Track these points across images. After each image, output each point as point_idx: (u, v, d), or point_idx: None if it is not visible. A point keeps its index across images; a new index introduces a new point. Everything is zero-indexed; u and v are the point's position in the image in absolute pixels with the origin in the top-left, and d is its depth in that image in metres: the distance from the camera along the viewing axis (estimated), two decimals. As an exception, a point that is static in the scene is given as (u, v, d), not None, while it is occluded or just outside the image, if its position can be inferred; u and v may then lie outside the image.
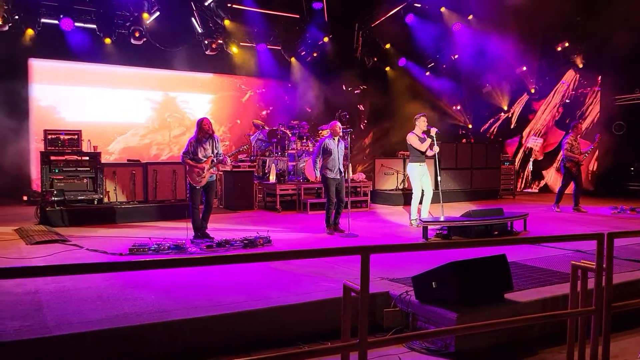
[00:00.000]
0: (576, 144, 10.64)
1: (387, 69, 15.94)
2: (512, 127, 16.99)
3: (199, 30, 13.42)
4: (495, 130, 17.04)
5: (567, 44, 15.17)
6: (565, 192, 11.00)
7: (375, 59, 15.54)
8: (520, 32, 14.13)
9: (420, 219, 8.01)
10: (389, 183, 12.59)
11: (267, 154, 12.38)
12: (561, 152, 10.75)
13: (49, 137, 9.18)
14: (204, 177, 7.29)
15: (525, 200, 13.34)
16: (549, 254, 6.16)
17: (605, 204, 11.70)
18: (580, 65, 15.34)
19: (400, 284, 4.75)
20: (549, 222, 9.17)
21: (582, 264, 3.69)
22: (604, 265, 3.59)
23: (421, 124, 8.64)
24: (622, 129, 14.94)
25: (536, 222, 8.76)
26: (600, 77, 15.14)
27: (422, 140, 8.57)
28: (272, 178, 11.35)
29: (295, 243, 7.27)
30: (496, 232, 7.58)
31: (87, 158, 9.39)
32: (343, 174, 8.06)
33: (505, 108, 16.95)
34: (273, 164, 11.59)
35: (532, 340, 4.29)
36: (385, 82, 15.95)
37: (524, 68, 16.00)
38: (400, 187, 12.51)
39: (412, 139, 8.63)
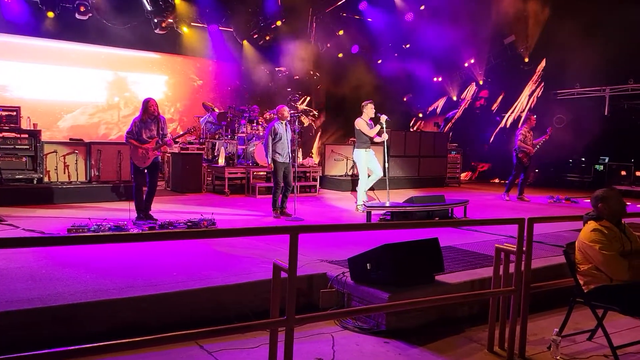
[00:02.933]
0: (529, 136, 11.06)
1: (340, 55, 16.02)
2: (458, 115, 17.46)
3: (148, 8, 13.07)
4: (439, 108, 17.43)
5: (513, 38, 15.68)
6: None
7: (328, 45, 15.59)
8: (470, 24, 14.50)
9: (364, 204, 8.18)
10: (339, 169, 12.75)
11: (217, 136, 12.27)
12: (514, 143, 11.15)
13: (-16, 113, 8.79)
14: (149, 157, 7.18)
15: (469, 189, 13.80)
16: (484, 239, 6.44)
17: (545, 193, 12.26)
18: (526, 60, 15.90)
19: (339, 266, 4.87)
20: (489, 209, 9.54)
21: (505, 247, 3.91)
22: (524, 249, 3.82)
23: (369, 110, 8.78)
24: (562, 122, 15.65)
25: (476, 209, 9.10)
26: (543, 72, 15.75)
27: (370, 127, 8.72)
28: (221, 161, 11.27)
29: (240, 225, 7.29)
30: (437, 218, 7.84)
31: (26, 136, 9.04)
32: (291, 159, 8.12)
33: (455, 99, 17.39)
34: (222, 147, 11.51)
35: (460, 319, 4.52)
36: (337, 68, 16.03)
37: (472, 60, 16.44)
38: (350, 173, 12.69)
39: (361, 124, 8.76)
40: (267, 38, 14.95)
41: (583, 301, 3.96)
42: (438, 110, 17.45)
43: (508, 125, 16.29)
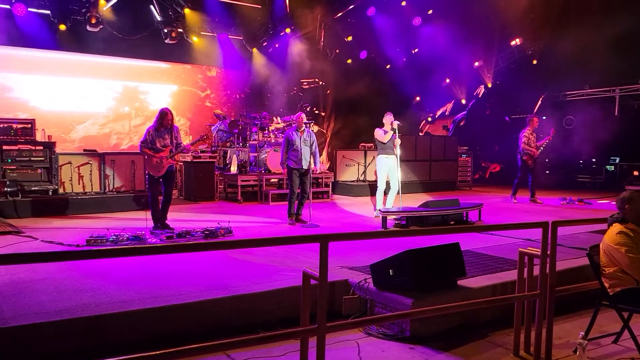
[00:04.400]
0: (532, 138, 11.04)
1: (349, 61, 16.06)
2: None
3: (158, 18, 13.18)
4: (448, 111, 17.41)
5: (519, 41, 15.66)
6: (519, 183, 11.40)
7: (337, 51, 15.64)
8: (478, 27, 14.50)
9: (380, 210, 8.18)
10: (350, 174, 12.76)
11: (229, 144, 12.32)
12: (518, 146, 11.13)
13: (1, 125, 8.88)
14: (163, 166, 7.23)
15: (481, 192, 13.76)
16: (501, 242, 6.43)
17: (556, 195, 12.21)
18: (534, 62, 15.88)
19: (359, 272, 4.88)
20: (503, 212, 9.52)
21: (529, 251, 3.90)
22: (549, 252, 3.81)
23: (387, 120, 8.82)
24: (571, 123, 15.59)
25: (491, 213, 9.08)
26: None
27: (385, 132, 8.76)
28: (234, 169, 11.32)
29: (257, 233, 7.31)
30: (452, 222, 7.83)
31: (41, 147, 9.12)
32: (310, 165, 8.12)
33: (464, 102, 17.37)
34: (234, 155, 11.55)
35: (483, 323, 4.51)
36: (346, 74, 16.06)
37: (480, 63, 16.43)
38: (362, 178, 12.70)
39: (376, 132, 8.86)
40: (277, 45, 15.02)
41: (608, 304, 3.94)
42: (447, 112, 17.44)
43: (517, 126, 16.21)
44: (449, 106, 17.28)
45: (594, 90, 15.35)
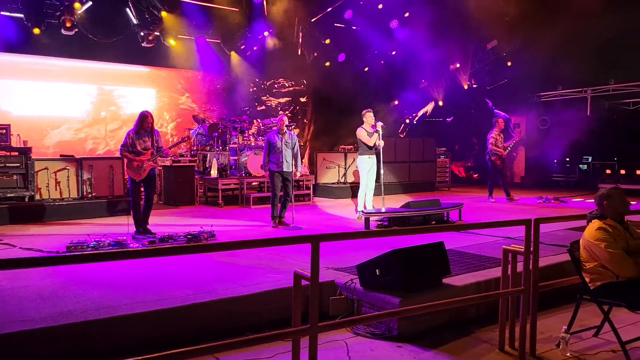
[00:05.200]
0: (500, 138, 11.30)
1: (327, 64, 16.12)
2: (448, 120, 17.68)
3: (134, 21, 13.02)
4: (428, 113, 17.60)
5: (496, 43, 15.95)
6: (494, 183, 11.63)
7: (315, 54, 15.68)
8: (454, 30, 14.72)
9: (362, 211, 8.24)
10: (331, 176, 12.80)
11: (208, 148, 12.24)
12: (486, 147, 11.38)
13: (-26, 131, 8.67)
14: (144, 169, 7.16)
15: (459, 192, 13.95)
16: (483, 241, 6.55)
17: (533, 194, 12.45)
18: (508, 64, 16.18)
19: (346, 273, 4.91)
20: (482, 211, 9.67)
21: (512, 248, 3.98)
22: (532, 249, 3.90)
23: (368, 118, 8.87)
24: (546, 124, 15.94)
25: (470, 212, 9.22)
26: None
27: (370, 135, 8.80)
28: (214, 173, 11.25)
29: (241, 236, 7.28)
30: (433, 222, 7.93)
31: (17, 153, 8.93)
32: (292, 168, 8.13)
33: (441, 104, 17.60)
34: (214, 159, 11.49)
35: (469, 320, 4.58)
36: (325, 77, 16.12)
37: (457, 65, 16.68)
38: (342, 180, 12.75)
39: (361, 134, 8.85)
40: (255, 49, 14.99)
41: (589, 298, 4.05)
42: (427, 114, 17.64)
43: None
44: (429, 107, 17.47)
45: (566, 91, 15.72)
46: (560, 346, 4.01)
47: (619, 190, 4.19)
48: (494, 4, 13.08)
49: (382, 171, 8.97)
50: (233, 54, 15.01)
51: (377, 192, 8.92)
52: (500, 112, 13.68)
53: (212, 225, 7.26)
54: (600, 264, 3.94)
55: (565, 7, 12.46)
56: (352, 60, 16.03)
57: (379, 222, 7.84)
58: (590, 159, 15.28)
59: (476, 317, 4.64)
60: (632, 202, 4.52)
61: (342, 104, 14.82)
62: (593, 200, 4.24)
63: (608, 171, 14.25)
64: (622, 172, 13.89)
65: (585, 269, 4.04)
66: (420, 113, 17.47)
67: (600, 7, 11.90)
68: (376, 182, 8.98)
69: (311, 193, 11.74)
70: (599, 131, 14.48)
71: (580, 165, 15.57)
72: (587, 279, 4.03)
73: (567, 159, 15.76)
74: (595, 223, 4.02)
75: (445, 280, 4.67)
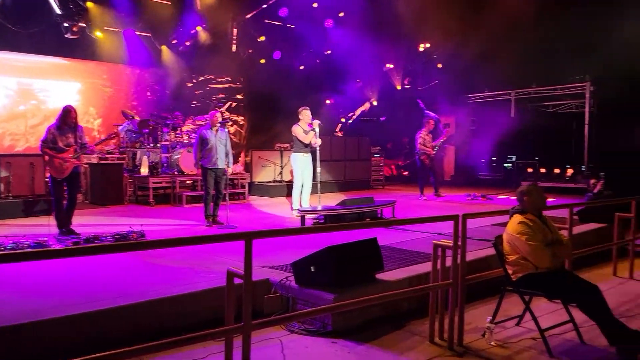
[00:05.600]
0: (428, 138, 11.72)
1: (262, 61, 16.01)
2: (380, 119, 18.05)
3: (58, 11, 12.33)
4: (363, 112, 17.89)
5: (428, 45, 16.47)
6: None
7: (250, 51, 15.53)
8: (388, 31, 15.05)
9: (298, 209, 8.24)
10: (267, 175, 12.72)
11: (138, 145, 11.81)
12: (415, 147, 11.76)
13: None
14: (66, 168, 6.78)
15: (393, 190, 14.28)
16: (415, 237, 6.72)
17: (462, 191, 12.95)
18: (439, 66, 16.76)
19: (281, 271, 4.88)
20: (415, 209, 9.94)
21: (442, 243, 4.12)
22: (459, 243, 4.05)
23: (305, 116, 8.87)
24: (474, 124, 16.64)
25: (403, 209, 9.43)
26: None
27: (306, 132, 8.80)
28: (144, 170, 10.87)
29: (172, 236, 7.06)
30: (368, 219, 8.06)
31: None
32: (225, 165, 7.99)
33: (375, 103, 17.95)
34: (145, 156, 11.10)
35: (401, 314, 4.69)
36: (261, 74, 16.01)
37: (391, 65, 17.07)
38: (278, 178, 12.70)
39: (297, 131, 8.82)
40: (187, 43, 14.62)
41: (512, 289, 4.26)
42: (363, 113, 17.92)
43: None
44: (364, 106, 17.75)
45: (493, 93, 16.46)
46: (486, 335, 4.19)
47: (538, 186, 4.44)
48: (425, 7, 13.49)
49: (318, 169, 9.01)
50: (164, 48, 14.57)
51: (313, 191, 8.96)
52: (431, 112, 14.15)
53: (142, 225, 7.01)
54: (522, 257, 4.15)
55: (493, 12, 13.05)
56: (288, 59, 16.01)
57: (315, 220, 7.87)
58: (514, 158, 16.09)
59: (408, 310, 4.76)
60: (549, 198, 4.80)
61: (278, 101, 14.76)
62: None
63: (530, 170, 15.05)
64: (543, 170, 14.73)
65: (508, 261, 4.24)
66: (357, 112, 17.74)
67: (526, 15, 12.56)
68: (312, 180, 9.01)
69: (246, 192, 11.61)
70: (522, 132, 15.27)
71: (505, 164, 16.38)
72: (510, 271, 4.24)
73: (494, 158, 16.53)
74: (517, 218, 4.23)
75: (379, 276, 4.76)
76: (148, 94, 15.10)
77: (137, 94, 15.02)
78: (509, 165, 16.24)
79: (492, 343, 4.13)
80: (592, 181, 9.26)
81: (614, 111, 13.50)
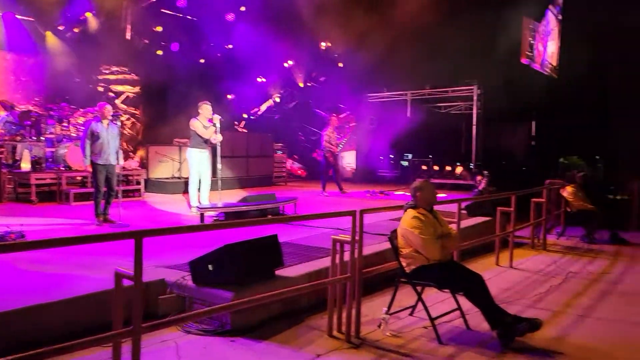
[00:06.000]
0: (333, 136, 11.98)
1: (159, 52, 15.36)
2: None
3: None
4: (263, 108, 17.83)
5: (329, 44, 16.76)
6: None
7: (147, 41, 14.83)
8: (290, 28, 15.09)
9: (197, 207, 8.00)
10: (164, 171, 12.23)
11: (19, 138, 10.82)
12: (320, 144, 11.98)
13: None
14: None
15: (295, 187, 14.36)
16: (316, 233, 6.80)
17: (363, 188, 13.35)
18: (340, 65, 17.12)
19: (178, 270, 4.70)
20: (317, 205, 10.06)
21: (340, 238, 4.19)
22: (357, 238, 4.14)
23: (205, 111, 8.58)
24: (374, 123, 17.21)
25: (305, 206, 9.52)
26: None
27: (206, 127, 8.53)
28: (25, 166, 9.98)
29: (58, 236, 6.54)
30: (270, 216, 8.03)
31: None
32: (116, 161, 7.54)
33: (278, 100, 17.94)
34: (26, 150, 10.19)
35: (302, 310, 4.71)
36: (159, 66, 15.34)
37: (293, 63, 17.16)
38: (176, 175, 12.26)
39: (195, 125, 8.50)
40: (76, 30, 13.62)
41: (406, 281, 4.44)
42: (268, 109, 17.84)
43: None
44: (266, 103, 17.67)
45: (390, 93, 17.12)
46: (381, 326, 4.33)
47: (429, 183, 4.67)
48: (326, 6, 13.70)
49: (220, 166, 8.80)
50: (49, 34, 13.48)
51: (213, 187, 8.74)
52: (333, 112, 14.43)
53: (22, 225, 6.41)
54: (415, 250, 4.34)
55: (391, 14, 13.56)
56: (188, 51, 15.50)
57: (215, 218, 7.69)
58: (410, 156, 16.88)
59: (308, 305, 4.79)
60: (441, 194, 5.07)
61: (177, 95, 14.26)
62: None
63: (424, 167, 15.87)
64: (436, 168, 15.60)
65: (402, 254, 4.41)
66: (262, 108, 17.61)
67: (422, 18, 13.19)
68: (213, 177, 8.79)
69: (142, 188, 11.08)
70: (417, 131, 16.04)
71: (402, 162, 17.13)
72: (403, 264, 4.41)
73: (392, 156, 17.23)
74: (410, 212, 4.42)
75: (279, 272, 4.74)
76: (31, 83, 13.88)
77: (18, 82, 13.75)
78: (406, 163, 17.01)
79: (387, 333, 4.28)
80: (478, 178, 9.93)
81: (498, 113, 14.63)
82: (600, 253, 8.00)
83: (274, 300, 4.10)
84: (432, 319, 4.23)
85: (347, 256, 4.19)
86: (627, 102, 15.19)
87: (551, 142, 14.97)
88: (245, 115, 17.85)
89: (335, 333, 4.21)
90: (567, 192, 9.39)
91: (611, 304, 5.35)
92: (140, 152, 14.38)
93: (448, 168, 15.27)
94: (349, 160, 17.33)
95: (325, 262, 5.08)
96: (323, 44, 16.90)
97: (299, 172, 17.53)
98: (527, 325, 4.07)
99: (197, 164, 8.58)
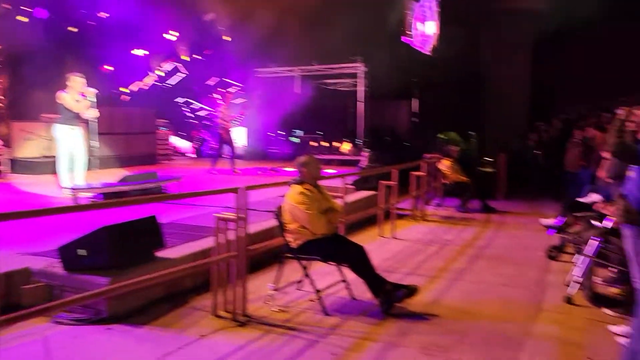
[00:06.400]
0: (227, 112, 11.66)
1: (23, 19, 13.80)
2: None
3: None
4: (147, 83, 16.91)
5: (214, 16, 16.18)
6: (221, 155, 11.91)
7: (9, 6, 13.25)
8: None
9: (71, 188, 7.39)
10: (33, 150, 11.14)
11: None
12: (214, 121, 11.62)
13: None
14: None
15: (182, 165, 13.85)
16: (201, 212, 6.60)
17: (254, 165, 13.20)
18: (226, 38, 16.63)
19: (46, 257, 4.32)
20: (202, 183, 9.77)
21: (224, 216, 4.08)
22: (242, 215, 4.07)
23: (75, 83, 7.82)
24: (263, 99, 17.02)
25: (191, 185, 9.20)
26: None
27: (77, 101, 7.80)
28: None
29: None
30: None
31: None
32: None
33: (163, 74, 17.06)
34: None
35: (186, 291, 4.57)
36: (24, 35, 13.78)
37: (177, 35, 16.36)
38: (46, 154, 11.22)
39: (65, 99, 7.72)
40: None
41: (292, 256, 4.47)
42: (149, 84, 16.86)
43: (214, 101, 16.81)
44: (152, 77, 16.70)
45: (280, 69, 16.98)
46: (268, 302, 4.34)
47: (314, 158, 4.70)
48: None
49: (96, 143, 8.17)
50: None
51: (89, 167, 8.11)
52: (219, 88, 14.02)
53: None
54: (301, 225, 4.36)
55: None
56: (57, 19, 14.11)
57: (92, 200, 7.15)
58: (300, 133, 16.97)
59: (194, 287, 4.65)
60: (330, 170, 5.13)
61: (44, 67, 12.95)
62: (296, 168, 4.65)
63: (314, 144, 16.06)
64: (325, 144, 15.85)
65: (288, 230, 4.42)
66: (144, 82, 16.60)
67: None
68: (90, 155, 8.14)
69: (6, 169, 10.01)
70: (307, 108, 16.12)
71: (293, 139, 17.18)
72: (290, 239, 4.43)
73: (282, 133, 17.19)
74: (296, 188, 4.43)
75: (161, 254, 4.53)
76: None
77: None
78: (296, 140, 17.08)
79: (275, 309, 4.29)
80: (364, 154, 10.27)
81: (383, 91, 15.16)
82: (472, 221, 8.68)
83: (154, 284, 3.91)
84: (318, 292, 4.31)
85: (233, 235, 4.11)
86: (495, 82, 16.55)
87: (431, 118, 15.86)
88: (125, 90, 16.75)
89: (221, 312, 4.13)
90: (444, 165, 10.04)
91: (480, 267, 5.83)
92: (3, 129, 12.94)
93: (336, 144, 15.60)
94: (238, 138, 17.04)
95: (211, 242, 4.95)
96: (208, 17, 16.27)
97: (186, 149, 16.92)
98: (406, 291, 4.30)
99: (66, 141, 7.86)
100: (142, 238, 4.29)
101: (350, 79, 16.03)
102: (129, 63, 15.96)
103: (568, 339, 3.87)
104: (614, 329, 3.89)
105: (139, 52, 16.26)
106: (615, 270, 4.86)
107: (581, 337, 3.90)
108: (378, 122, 15.79)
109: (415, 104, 17.24)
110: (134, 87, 16.60)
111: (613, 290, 4.85)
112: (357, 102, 15.54)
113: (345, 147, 15.19)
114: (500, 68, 16.40)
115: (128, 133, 13.02)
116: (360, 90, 15.44)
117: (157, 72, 16.90)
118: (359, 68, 15.34)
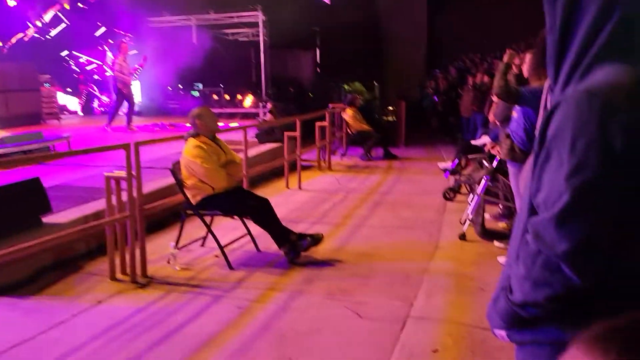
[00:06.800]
0: (125, 65, 10.78)
1: None
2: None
3: None
4: (26, 37, 15.28)
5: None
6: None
7: None
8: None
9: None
10: None
11: None
12: (112, 73, 10.74)
13: None
14: None
15: (71, 124, 12.83)
16: (93, 173, 6.16)
17: (151, 121, 12.52)
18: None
19: None
20: (95, 141, 9.09)
21: (114, 175, 3.82)
22: (134, 173, 3.82)
23: None
24: (159, 51, 16.02)
25: (82, 143, 8.55)
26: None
27: None
28: None
29: None
30: (37, 158, 7.02)
31: None
32: None
33: (40, 24, 15.41)
34: None
35: (80, 257, 4.30)
36: None
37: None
38: None
39: None
40: None
41: (193, 212, 4.31)
42: (26, 38, 15.17)
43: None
44: (30, 31, 15.02)
45: (173, 18, 15.99)
46: (170, 262, 4.19)
47: (209, 110, 4.51)
48: None
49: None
50: None
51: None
52: (111, 38, 12.94)
53: None
54: (200, 180, 4.20)
55: None
56: None
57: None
58: (201, 86, 16.29)
59: (88, 252, 4.39)
60: (233, 124, 4.94)
61: None
62: (190, 121, 4.42)
63: (215, 97, 15.52)
64: (227, 97, 15.38)
65: (187, 186, 4.24)
66: (23, 35, 14.90)
67: None
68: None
69: None
70: (206, 59, 15.41)
71: (193, 92, 16.46)
72: (189, 195, 4.26)
73: (181, 86, 16.38)
74: (192, 141, 4.23)
75: (48, 219, 4.19)
76: None
77: None
78: (196, 93, 16.40)
79: (177, 267, 4.16)
80: (266, 105, 10.09)
81: (285, 40, 14.84)
82: (375, 169, 8.92)
83: (41, 250, 3.60)
84: (221, 247, 4.22)
85: (126, 195, 3.87)
86: (394, 30, 16.81)
87: (334, 68, 15.85)
88: (-1, 43, 15.01)
89: (119, 276, 3.94)
90: (348, 115, 10.14)
91: (382, 212, 6.03)
92: None
93: (239, 97, 15.21)
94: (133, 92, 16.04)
95: (103, 204, 4.65)
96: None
97: (74, 106, 15.66)
98: (311, 240, 4.33)
99: None
100: (25, 202, 3.92)
101: (250, 28, 15.50)
102: (4, 14, 14.22)
103: (462, 273, 4.13)
104: (502, 259, 4.21)
105: (14, 1, 14.52)
106: (502, 205, 5.24)
107: (473, 270, 4.18)
108: (281, 73, 15.52)
109: (317, 53, 17.12)
110: (13, 39, 14.89)
111: (501, 225, 5.23)
112: (259, 53, 15.13)
113: (248, 99, 14.86)
114: (398, 17, 16.65)
115: (6, 90, 11.75)
116: (261, 40, 15.00)
117: (37, 22, 15.24)
118: (259, 17, 14.84)
